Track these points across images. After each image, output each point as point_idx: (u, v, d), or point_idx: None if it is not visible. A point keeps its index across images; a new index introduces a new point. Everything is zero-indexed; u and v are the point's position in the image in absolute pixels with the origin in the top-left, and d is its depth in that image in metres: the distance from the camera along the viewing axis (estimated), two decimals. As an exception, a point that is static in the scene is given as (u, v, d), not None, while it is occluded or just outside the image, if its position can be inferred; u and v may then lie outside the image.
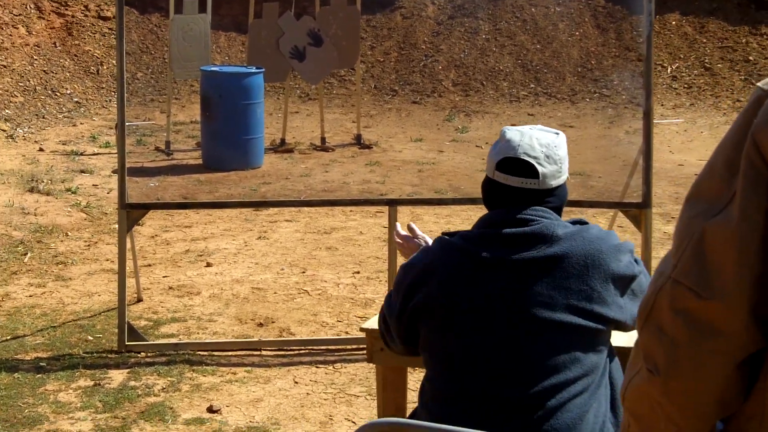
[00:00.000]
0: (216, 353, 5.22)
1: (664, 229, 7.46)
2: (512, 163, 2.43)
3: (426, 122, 12.15)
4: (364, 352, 5.19)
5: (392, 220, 5.22)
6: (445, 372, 2.38)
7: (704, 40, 14.53)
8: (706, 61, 14.19)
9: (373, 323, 2.93)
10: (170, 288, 6.24)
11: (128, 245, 5.42)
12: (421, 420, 2.33)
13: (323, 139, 10.66)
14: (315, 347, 5.32)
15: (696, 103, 13.28)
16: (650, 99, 5.13)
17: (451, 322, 2.37)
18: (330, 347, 5.32)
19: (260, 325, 5.63)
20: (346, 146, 10.73)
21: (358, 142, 10.77)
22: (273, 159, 9.98)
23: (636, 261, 2.48)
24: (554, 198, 2.46)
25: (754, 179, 1.29)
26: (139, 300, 5.96)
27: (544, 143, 2.45)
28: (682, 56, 14.30)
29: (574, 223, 2.47)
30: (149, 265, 6.67)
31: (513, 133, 2.47)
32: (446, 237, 2.48)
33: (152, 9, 13.63)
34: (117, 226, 5.65)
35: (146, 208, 5.66)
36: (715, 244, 1.32)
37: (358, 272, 6.59)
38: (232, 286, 6.29)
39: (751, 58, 13.92)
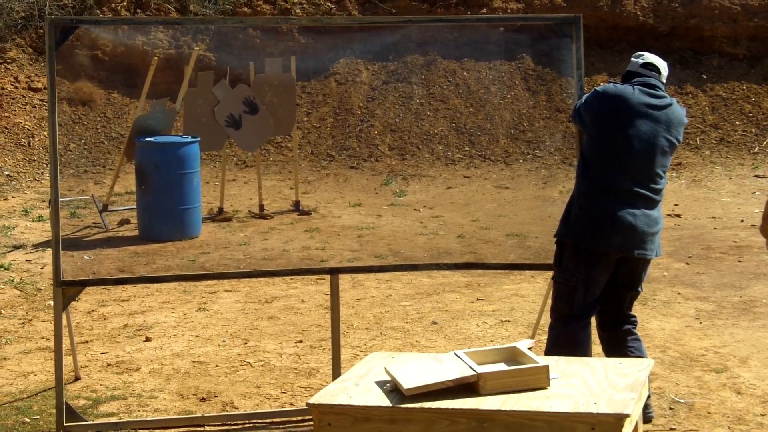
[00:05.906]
0: (158, 431, 5.09)
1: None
2: (650, 66, 4.94)
3: (364, 187, 12.18)
4: (310, 424, 5.14)
5: (335, 288, 5.19)
6: None
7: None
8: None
9: (319, 397, 2.88)
10: (109, 365, 6.10)
11: (64, 322, 5.29)
12: None
13: (261, 207, 10.62)
14: (260, 420, 5.22)
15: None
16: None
17: None
18: (275, 420, 5.23)
19: (203, 399, 5.52)
20: (284, 213, 10.69)
21: (297, 208, 10.75)
22: (211, 228, 9.89)
23: None
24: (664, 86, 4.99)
25: None
26: (77, 378, 5.81)
27: (664, 62, 5.04)
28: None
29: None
30: (86, 342, 6.52)
31: (648, 54, 4.99)
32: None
33: (83, 79, 13.52)
34: (52, 302, 5.53)
35: (82, 285, 5.53)
36: None
37: (301, 341, 6.52)
38: (173, 360, 6.17)
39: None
